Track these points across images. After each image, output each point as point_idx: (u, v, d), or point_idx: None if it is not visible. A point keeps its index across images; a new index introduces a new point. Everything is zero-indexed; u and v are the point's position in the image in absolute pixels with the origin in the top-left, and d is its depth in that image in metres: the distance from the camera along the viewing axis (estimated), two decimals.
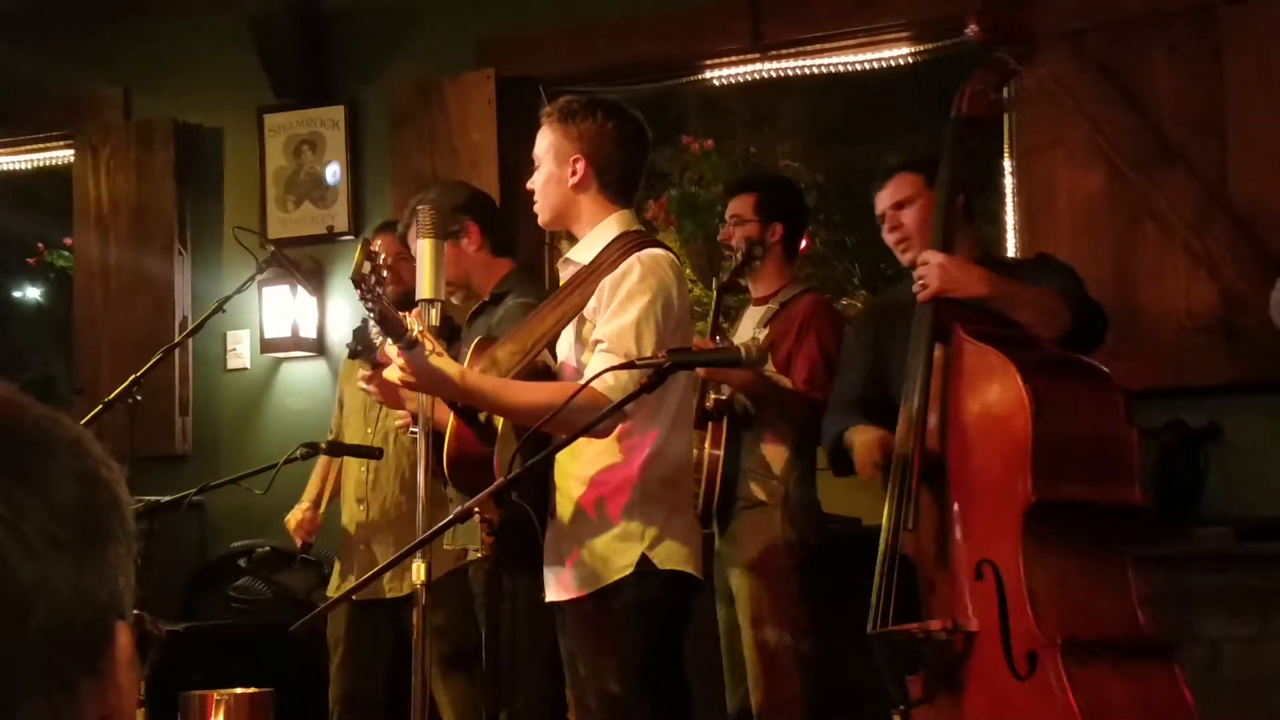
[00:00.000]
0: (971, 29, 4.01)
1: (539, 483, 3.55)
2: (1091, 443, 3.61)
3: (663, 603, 3.53)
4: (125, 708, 1.06)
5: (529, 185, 3.76)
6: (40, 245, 9.12)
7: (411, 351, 3.25)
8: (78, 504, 1.02)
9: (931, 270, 3.80)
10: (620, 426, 3.42)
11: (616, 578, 3.47)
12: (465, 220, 4.49)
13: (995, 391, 3.58)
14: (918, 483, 3.66)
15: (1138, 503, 3.65)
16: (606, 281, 3.49)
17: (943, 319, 3.76)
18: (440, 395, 3.44)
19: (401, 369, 3.32)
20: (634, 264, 3.48)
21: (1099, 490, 3.59)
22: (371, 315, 3.21)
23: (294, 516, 5.12)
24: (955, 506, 3.62)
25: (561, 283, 3.72)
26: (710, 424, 4.83)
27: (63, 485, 1.01)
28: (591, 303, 3.52)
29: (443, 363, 3.31)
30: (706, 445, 4.80)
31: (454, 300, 4.66)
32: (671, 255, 3.61)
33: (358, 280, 3.17)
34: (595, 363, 3.38)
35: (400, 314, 3.30)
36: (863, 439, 4.00)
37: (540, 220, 3.77)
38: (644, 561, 3.47)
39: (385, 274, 3.23)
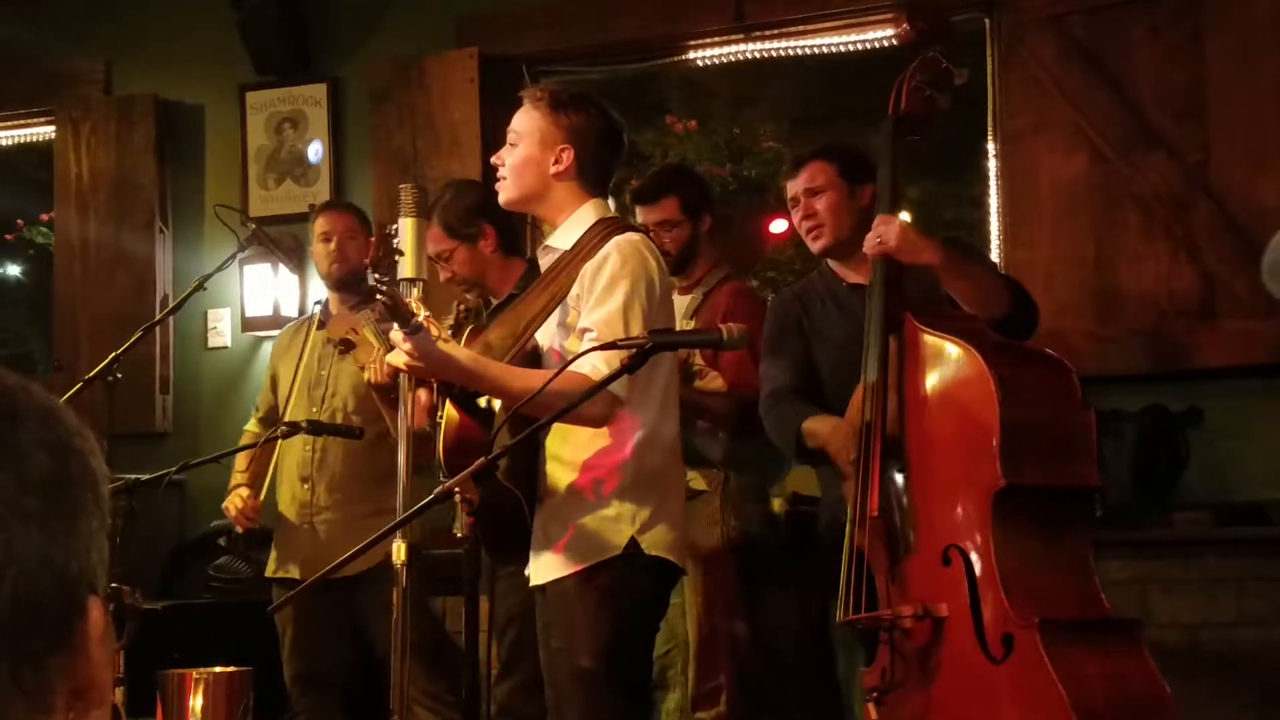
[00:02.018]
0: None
1: (528, 468, 3.56)
2: (1054, 426, 3.63)
3: (643, 587, 3.54)
4: (99, 682, 1.05)
5: (494, 160, 3.75)
6: (20, 221, 9.08)
7: (417, 336, 3.26)
8: (47, 475, 1.01)
9: (892, 230, 3.81)
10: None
11: (603, 558, 3.48)
12: (482, 223, 4.59)
13: (958, 379, 3.59)
14: (879, 471, 3.67)
15: (1096, 485, 3.70)
16: (587, 268, 3.50)
17: (893, 310, 3.77)
18: (446, 379, 3.47)
19: (408, 353, 3.33)
20: (612, 250, 3.49)
21: (1062, 473, 3.61)
22: (384, 301, 3.22)
23: (233, 503, 5.00)
24: (917, 494, 3.63)
25: (542, 269, 3.72)
26: None
27: (32, 456, 1.00)
28: (574, 289, 3.52)
29: (449, 347, 3.34)
30: None
31: (469, 298, 4.69)
32: (647, 238, 3.64)
33: (374, 265, 3.21)
34: (595, 354, 3.37)
35: (407, 300, 3.32)
36: (835, 434, 3.98)
37: (503, 198, 3.73)
38: (632, 544, 3.47)
39: (395, 257, 3.27)
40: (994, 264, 4.26)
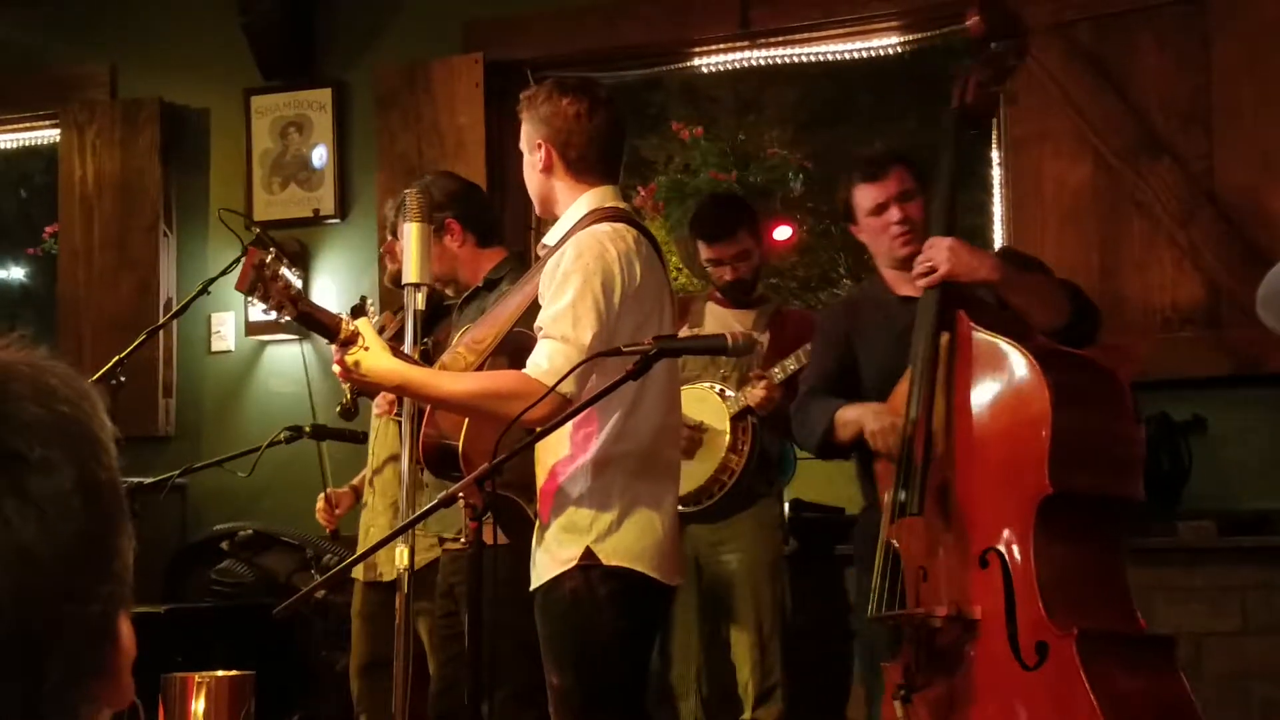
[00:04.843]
0: (973, 21, 3.95)
1: (527, 473, 3.52)
2: (1104, 437, 3.56)
3: (605, 598, 3.37)
4: (123, 689, 1.05)
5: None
6: (46, 231, 9.08)
7: (345, 349, 3.27)
8: (79, 514, 1.00)
9: (941, 253, 3.71)
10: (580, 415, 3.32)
11: (560, 570, 3.38)
12: (445, 217, 4.49)
13: (1010, 381, 3.51)
14: (924, 469, 3.62)
15: (1140, 498, 3.60)
16: (549, 264, 3.42)
17: (947, 308, 3.70)
18: (376, 390, 3.47)
19: (337, 365, 3.33)
20: (569, 245, 3.39)
21: (1109, 484, 3.54)
22: (279, 317, 3.24)
23: (318, 503, 4.98)
24: (958, 494, 3.56)
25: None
26: (737, 425, 4.90)
27: (62, 491, 1.00)
28: (542, 286, 3.43)
29: (372, 358, 3.28)
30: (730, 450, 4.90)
31: (448, 293, 4.69)
32: (622, 228, 3.45)
33: (248, 291, 3.22)
34: (539, 350, 3.29)
35: (337, 314, 3.32)
36: (875, 415, 3.86)
37: (537, 212, 3.73)
38: (587, 555, 3.35)
39: (280, 282, 3.27)
40: (1049, 269, 4.15)
